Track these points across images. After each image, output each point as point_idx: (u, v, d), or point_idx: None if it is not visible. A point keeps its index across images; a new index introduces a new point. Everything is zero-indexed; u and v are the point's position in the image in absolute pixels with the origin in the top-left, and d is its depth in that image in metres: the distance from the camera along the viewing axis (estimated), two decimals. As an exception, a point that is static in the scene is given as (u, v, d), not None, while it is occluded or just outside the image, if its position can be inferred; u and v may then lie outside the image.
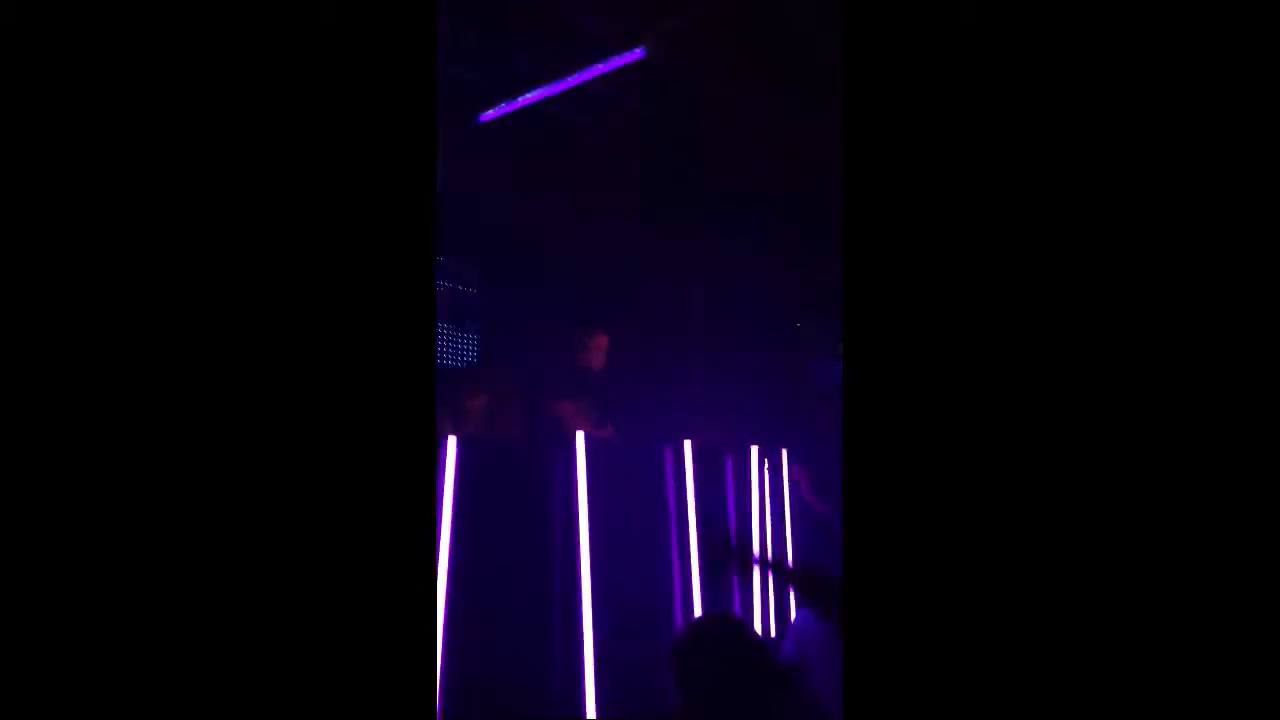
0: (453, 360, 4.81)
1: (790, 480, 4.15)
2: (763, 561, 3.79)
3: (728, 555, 3.31)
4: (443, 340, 4.71)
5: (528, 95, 4.10)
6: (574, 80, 3.89)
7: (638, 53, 3.64)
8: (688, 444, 3.73)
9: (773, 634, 3.90)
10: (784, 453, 4.40)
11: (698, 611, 3.48)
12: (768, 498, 4.29)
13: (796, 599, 3.69)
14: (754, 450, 4.21)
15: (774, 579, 3.94)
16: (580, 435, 3.27)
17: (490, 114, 4.26)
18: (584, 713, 2.85)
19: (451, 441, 2.96)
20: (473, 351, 4.89)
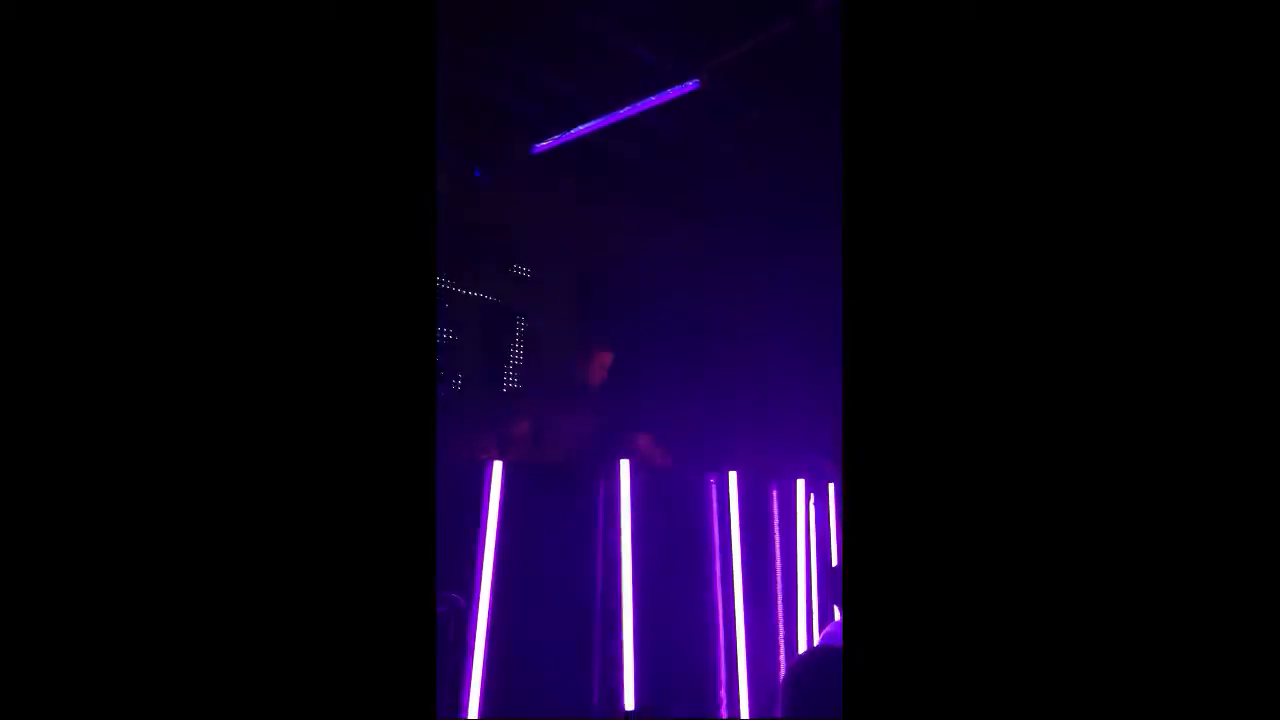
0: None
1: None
2: None
3: None
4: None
5: (581, 127, 4.17)
6: (628, 112, 3.94)
7: (691, 84, 3.67)
8: (733, 475, 3.70)
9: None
10: (830, 487, 4.35)
11: (741, 642, 3.43)
12: (813, 533, 4.23)
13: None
14: (800, 484, 4.16)
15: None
16: (624, 463, 3.26)
17: (543, 145, 4.34)
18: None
19: (497, 466, 2.97)
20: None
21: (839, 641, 2.42)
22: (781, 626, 3.90)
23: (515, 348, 4.72)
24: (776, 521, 3.99)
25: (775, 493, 4.00)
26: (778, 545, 3.98)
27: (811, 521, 4.23)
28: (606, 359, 4.08)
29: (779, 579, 3.95)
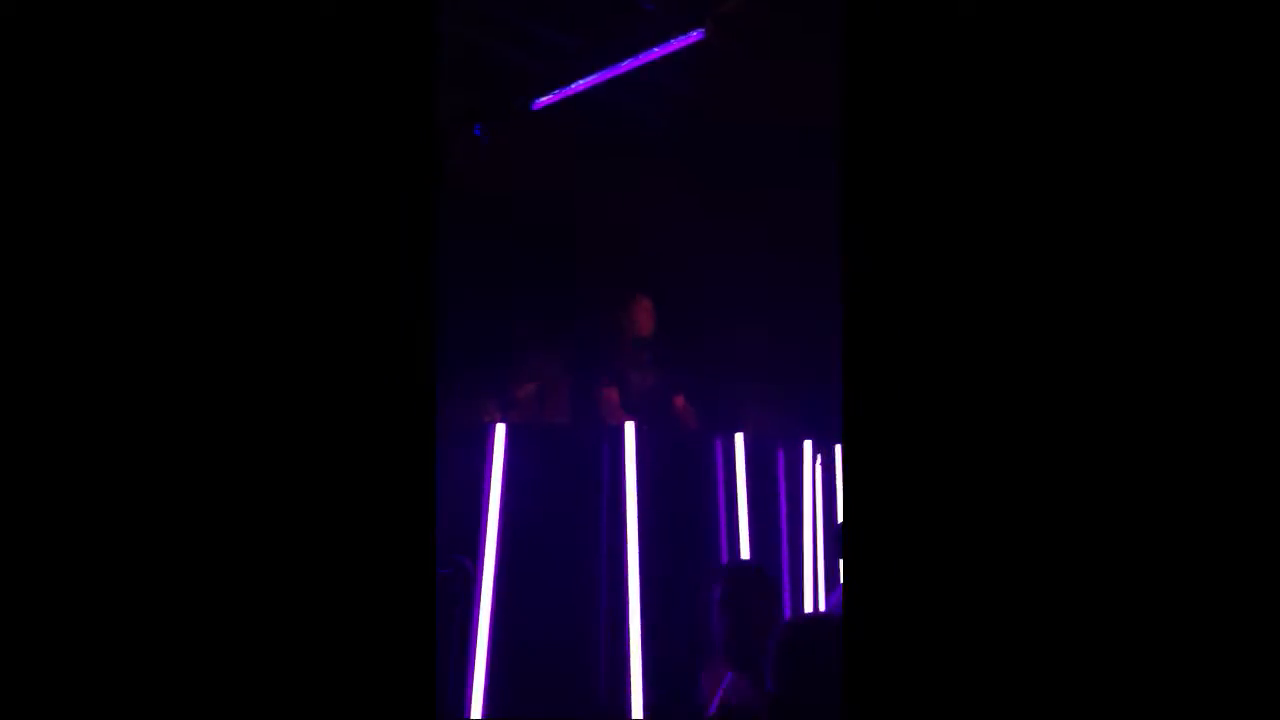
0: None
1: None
2: None
3: None
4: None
5: (582, 81, 4.06)
6: (630, 64, 3.83)
7: (696, 34, 3.57)
8: (739, 436, 3.67)
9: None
10: (838, 448, 4.31)
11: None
12: (819, 495, 4.21)
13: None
14: (808, 445, 4.12)
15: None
16: (630, 425, 3.23)
17: (544, 100, 4.23)
18: (629, 712, 2.81)
19: (500, 429, 2.94)
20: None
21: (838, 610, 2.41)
22: (788, 589, 3.88)
23: (520, 310, 4.66)
24: (783, 484, 3.97)
25: (782, 454, 3.97)
26: (784, 507, 3.96)
27: (818, 483, 4.21)
28: (648, 304, 4.01)
29: (785, 541, 3.93)
